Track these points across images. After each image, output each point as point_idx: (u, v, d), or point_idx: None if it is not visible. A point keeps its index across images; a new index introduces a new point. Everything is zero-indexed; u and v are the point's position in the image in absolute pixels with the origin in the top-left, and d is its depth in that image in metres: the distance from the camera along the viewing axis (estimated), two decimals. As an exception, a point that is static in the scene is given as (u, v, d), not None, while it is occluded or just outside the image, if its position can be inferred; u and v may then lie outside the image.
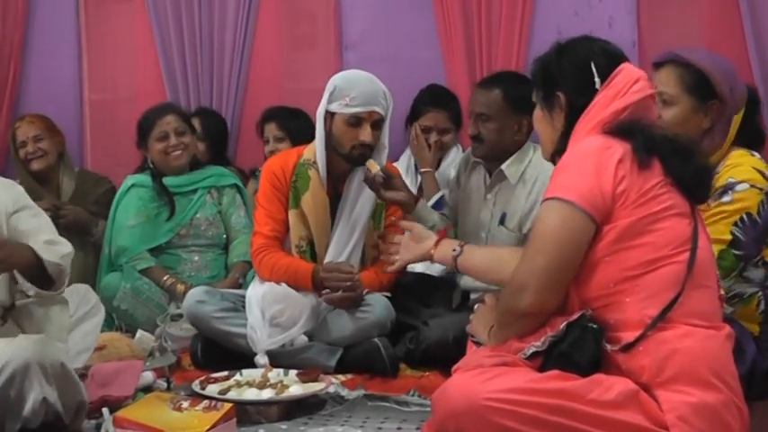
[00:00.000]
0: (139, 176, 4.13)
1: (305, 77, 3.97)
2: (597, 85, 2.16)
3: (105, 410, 2.49)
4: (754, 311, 2.75)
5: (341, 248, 3.42)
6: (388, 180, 3.30)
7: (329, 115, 3.35)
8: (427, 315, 3.42)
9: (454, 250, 2.47)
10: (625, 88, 2.13)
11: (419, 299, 3.54)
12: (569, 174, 2.07)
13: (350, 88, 3.31)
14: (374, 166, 3.27)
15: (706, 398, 1.94)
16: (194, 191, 4.12)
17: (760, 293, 2.76)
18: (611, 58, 2.20)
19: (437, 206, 3.81)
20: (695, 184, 2.11)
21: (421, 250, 2.64)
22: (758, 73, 4.09)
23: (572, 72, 2.21)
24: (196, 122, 4.54)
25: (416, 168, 4.24)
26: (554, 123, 2.24)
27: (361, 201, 3.43)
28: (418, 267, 3.93)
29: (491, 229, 3.40)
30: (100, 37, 4.78)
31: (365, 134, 3.30)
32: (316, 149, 3.42)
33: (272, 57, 4.68)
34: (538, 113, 2.30)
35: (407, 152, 4.30)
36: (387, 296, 3.36)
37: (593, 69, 2.17)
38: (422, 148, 4.16)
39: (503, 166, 3.40)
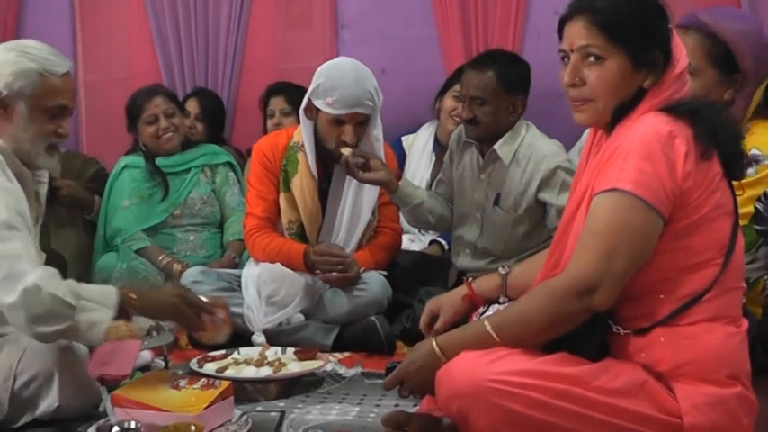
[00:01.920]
0: (132, 157, 4.13)
1: (300, 57, 3.98)
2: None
3: (103, 389, 2.51)
4: (759, 295, 2.74)
5: (333, 233, 3.43)
6: (365, 162, 3.26)
7: (314, 106, 3.34)
8: (423, 293, 3.41)
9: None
10: (683, 52, 2.05)
11: (415, 277, 3.55)
12: (639, 164, 1.93)
13: (333, 89, 3.25)
14: (346, 150, 3.24)
15: (721, 393, 1.95)
16: (187, 170, 4.12)
17: (766, 277, 2.74)
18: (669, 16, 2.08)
19: None
20: (740, 172, 2.08)
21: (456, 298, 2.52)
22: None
23: (665, 29, 2.04)
24: (194, 103, 4.54)
25: (435, 146, 4.22)
26: (637, 83, 2.03)
27: (355, 185, 3.42)
28: (414, 246, 3.96)
29: (486, 209, 3.40)
30: (94, 17, 4.76)
31: (347, 135, 3.28)
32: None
33: (268, 36, 4.67)
34: (621, 71, 2.02)
35: (430, 127, 4.28)
36: (383, 274, 3.38)
37: (671, 27, 2.05)
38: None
39: (495, 146, 3.36)
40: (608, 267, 1.93)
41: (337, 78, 3.27)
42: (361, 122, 3.32)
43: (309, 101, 3.34)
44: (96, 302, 2.35)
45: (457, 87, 4.08)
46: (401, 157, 4.21)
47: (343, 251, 3.33)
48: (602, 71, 2.03)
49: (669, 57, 2.03)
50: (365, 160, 3.25)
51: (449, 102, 4.14)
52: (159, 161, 4.08)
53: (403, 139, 4.35)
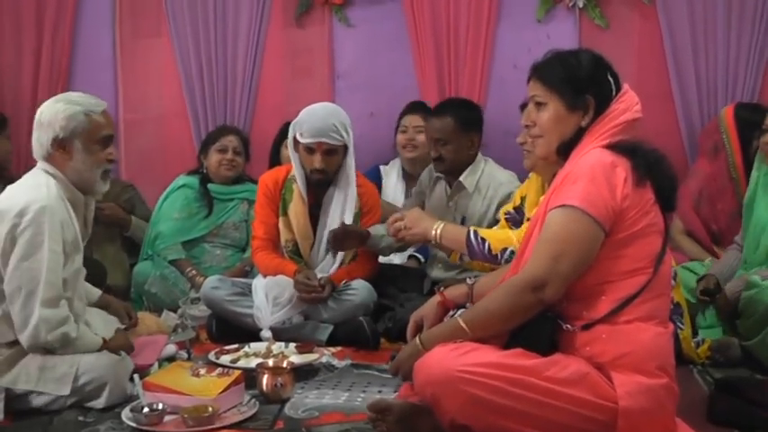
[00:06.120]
0: (190, 178, 4.14)
1: (304, 102, 3.94)
2: (614, 93, 2.10)
3: (136, 377, 2.49)
4: None
5: (321, 250, 3.43)
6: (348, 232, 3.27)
7: (297, 141, 3.37)
8: (403, 298, 3.44)
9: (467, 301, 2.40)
10: (631, 106, 2.09)
11: (397, 285, 3.56)
12: (585, 186, 1.98)
13: (303, 122, 3.32)
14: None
15: (650, 383, 1.96)
16: (231, 200, 4.13)
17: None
18: (614, 72, 2.14)
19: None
20: (673, 201, 2.10)
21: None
22: (678, 100, 4.17)
23: (600, 79, 2.10)
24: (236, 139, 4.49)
25: (403, 174, 4.18)
26: (574, 122, 2.10)
27: (338, 212, 3.40)
28: (396, 260, 3.96)
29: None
30: (133, 66, 4.74)
31: (316, 161, 3.31)
32: None
33: (277, 84, 4.65)
34: (557, 113, 2.11)
35: (396, 161, 4.25)
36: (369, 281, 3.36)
37: (611, 80, 2.11)
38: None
39: (461, 178, 3.43)
40: (556, 268, 1.96)
41: (307, 115, 3.35)
42: (329, 152, 3.31)
43: (294, 137, 3.35)
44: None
45: (404, 121, 4.10)
46: (378, 181, 4.17)
47: (317, 282, 3.27)
48: (544, 113, 2.12)
49: (605, 101, 2.08)
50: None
51: (399, 137, 4.14)
52: (211, 187, 4.10)
53: (381, 167, 4.32)
